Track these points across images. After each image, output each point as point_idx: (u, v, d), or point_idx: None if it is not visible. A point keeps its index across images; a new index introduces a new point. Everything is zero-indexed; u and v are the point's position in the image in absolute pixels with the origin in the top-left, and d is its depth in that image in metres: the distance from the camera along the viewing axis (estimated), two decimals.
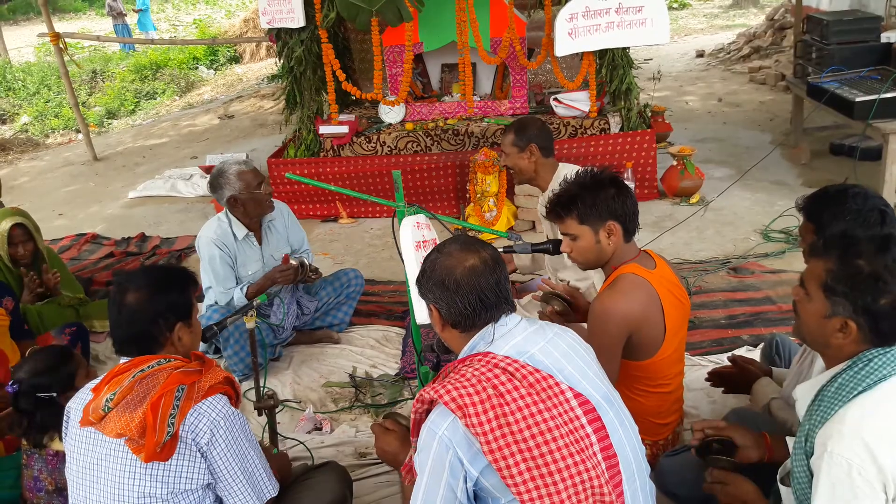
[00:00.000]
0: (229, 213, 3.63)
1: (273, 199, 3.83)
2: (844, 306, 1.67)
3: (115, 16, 16.30)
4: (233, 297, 3.60)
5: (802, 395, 1.80)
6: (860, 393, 1.63)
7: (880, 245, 1.68)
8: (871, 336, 1.67)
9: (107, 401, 1.87)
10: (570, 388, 1.70)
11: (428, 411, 1.70)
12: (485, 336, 1.78)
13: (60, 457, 2.38)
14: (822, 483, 1.60)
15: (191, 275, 2.16)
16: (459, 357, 1.81)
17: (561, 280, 3.52)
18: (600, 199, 2.37)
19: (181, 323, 2.03)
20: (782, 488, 1.86)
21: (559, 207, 2.44)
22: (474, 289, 1.77)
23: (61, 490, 2.38)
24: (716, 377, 2.78)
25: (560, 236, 2.55)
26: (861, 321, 1.66)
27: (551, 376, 1.70)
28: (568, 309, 2.69)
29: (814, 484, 1.64)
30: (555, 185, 3.48)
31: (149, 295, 1.99)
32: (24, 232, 3.95)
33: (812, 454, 1.67)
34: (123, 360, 2.00)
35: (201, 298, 3.74)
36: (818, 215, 2.28)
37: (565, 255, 2.64)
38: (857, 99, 4.82)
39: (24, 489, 2.47)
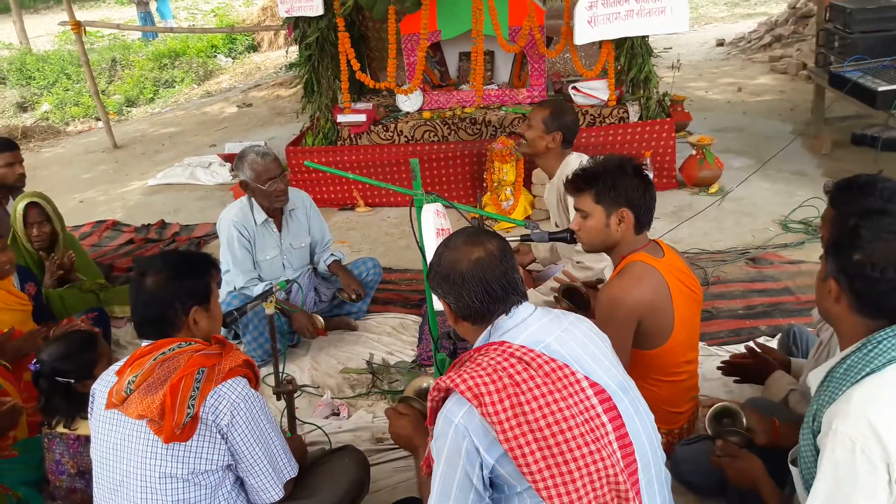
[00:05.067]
0: (251, 198, 3.67)
1: (296, 189, 3.86)
2: (830, 265, 1.69)
3: (139, 3, 16.38)
4: (252, 291, 3.62)
5: (815, 381, 1.80)
6: (868, 374, 1.62)
7: (879, 210, 1.69)
8: (852, 298, 1.66)
9: (129, 383, 1.90)
10: (586, 378, 1.71)
11: (444, 399, 1.71)
12: (497, 327, 1.79)
13: (82, 441, 2.42)
14: (825, 460, 1.61)
15: (211, 260, 2.18)
16: (474, 346, 1.82)
17: (578, 262, 3.51)
18: (621, 184, 2.38)
19: (198, 307, 2.06)
20: (793, 469, 1.86)
21: (580, 180, 2.46)
22: (481, 282, 1.77)
23: (83, 473, 2.43)
24: (731, 367, 2.77)
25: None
26: (840, 280, 1.66)
27: (567, 366, 1.70)
28: (574, 308, 2.71)
29: (818, 461, 1.64)
30: (561, 173, 3.48)
31: (166, 278, 2.03)
32: (40, 212, 3.96)
33: (819, 433, 1.67)
34: (145, 343, 2.03)
35: (220, 284, 3.78)
36: (840, 202, 2.25)
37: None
38: (880, 88, 4.77)
39: (47, 472, 2.52)
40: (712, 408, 2.32)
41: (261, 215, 3.68)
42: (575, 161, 3.44)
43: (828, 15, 6.00)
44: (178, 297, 2.03)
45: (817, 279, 1.78)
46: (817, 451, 1.67)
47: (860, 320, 1.68)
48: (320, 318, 3.68)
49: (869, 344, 1.66)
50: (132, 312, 2.08)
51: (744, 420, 2.26)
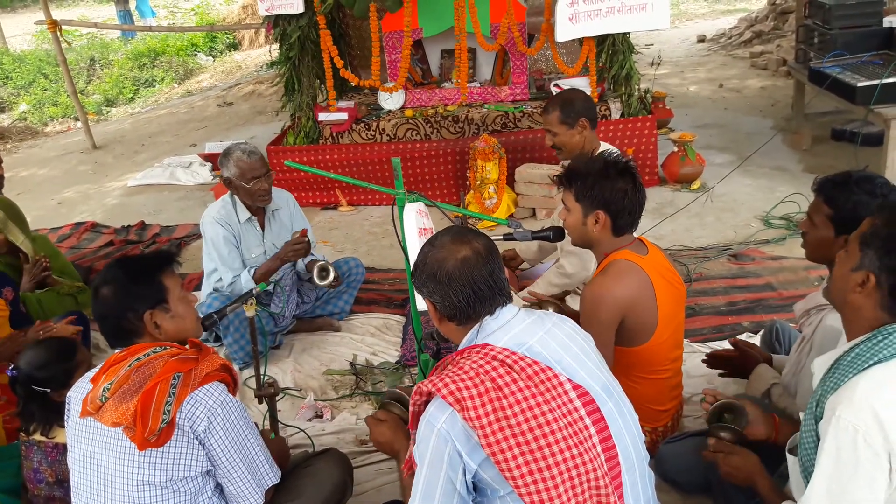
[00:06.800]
0: (234, 195, 3.63)
1: (280, 189, 3.82)
2: (871, 259, 1.65)
3: (117, 2, 16.18)
4: (240, 281, 3.58)
5: (820, 368, 1.79)
6: (876, 363, 1.62)
7: None
8: (887, 299, 1.64)
9: (104, 391, 1.87)
10: (569, 380, 1.69)
11: (426, 403, 1.69)
12: (482, 328, 1.77)
13: (60, 449, 2.38)
14: (826, 447, 1.61)
15: (166, 257, 2.14)
16: (458, 349, 1.80)
17: (559, 267, 3.50)
18: (599, 187, 2.38)
19: (152, 311, 2.01)
20: (789, 457, 1.86)
21: (565, 178, 2.48)
22: (467, 281, 1.75)
23: (62, 482, 2.39)
24: (715, 360, 2.78)
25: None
26: (882, 278, 1.63)
27: (550, 368, 1.69)
28: (561, 308, 2.72)
29: (819, 448, 1.64)
30: None
31: (114, 289, 1.99)
32: None
33: (822, 419, 1.66)
34: (119, 349, 2.00)
35: (199, 285, 3.74)
36: (841, 200, 2.20)
37: (569, 242, 2.65)
38: (859, 84, 4.80)
39: (26, 480, 2.48)
40: (715, 404, 2.30)
41: (244, 213, 3.64)
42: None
43: (807, 11, 6.03)
44: (129, 306, 1.99)
45: (842, 267, 1.73)
46: (818, 439, 1.67)
47: (880, 315, 1.66)
48: (307, 234, 3.67)
49: (879, 335, 1.65)
50: (98, 325, 2.06)
51: (748, 415, 2.24)
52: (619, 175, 2.39)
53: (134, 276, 2.03)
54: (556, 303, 2.77)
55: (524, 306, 1.93)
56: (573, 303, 3.34)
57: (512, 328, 1.76)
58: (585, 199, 2.41)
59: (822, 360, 1.80)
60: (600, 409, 1.71)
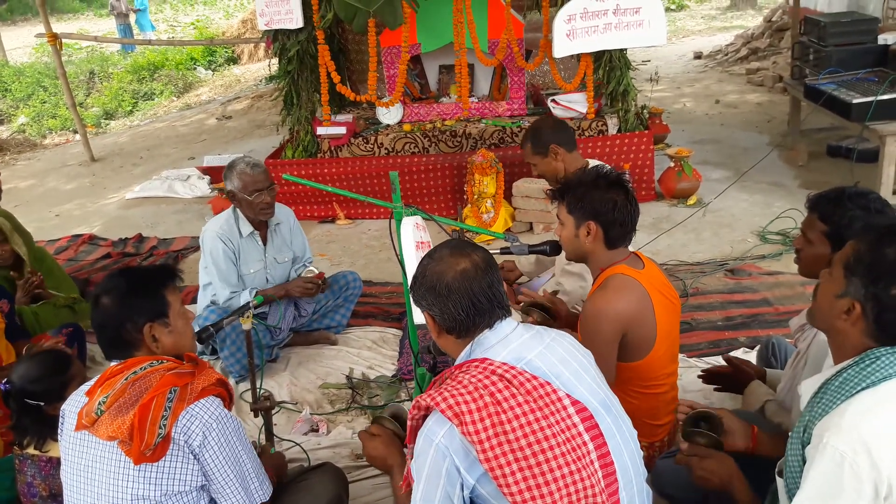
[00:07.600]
0: (237, 209, 3.63)
1: (280, 205, 3.83)
2: (857, 287, 1.64)
3: (118, 15, 16.27)
4: (238, 299, 3.57)
5: (807, 391, 1.78)
6: (864, 389, 1.60)
7: None
8: (873, 327, 1.63)
9: (99, 404, 1.86)
10: (568, 396, 1.69)
11: (424, 417, 1.69)
12: (481, 342, 1.77)
13: (54, 463, 2.37)
14: (812, 471, 1.59)
15: (168, 272, 2.13)
16: (456, 363, 1.80)
17: (559, 283, 3.52)
18: (590, 198, 2.39)
19: (152, 324, 2.00)
20: (778, 480, 1.85)
21: (558, 191, 2.51)
22: (466, 293, 1.75)
23: (55, 496, 2.37)
24: (710, 376, 2.78)
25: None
26: (868, 307, 1.62)
27: (549, 383, 1.68)
28: (547, 318, 2.72)
29: (804, 472, 1.63)
30: None
31: (115, 299, 1.99)
32: None
33: (808, 444, 1.65)
34: (115, 362, 2.00)
35: (195, 298, 3.73)
36: (836, 216, 2.20)
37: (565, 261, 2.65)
38: (855, 101, 4.83)
39: (20, 494, 2.46)
40: (690, 412, 2.30)
41: (246, 227, 3.64)
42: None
43: (803, 28, 6.08)
44: (129, 317, 1.98)
45: (826, 292, 1.72)
46: (804, 462, 1.66)
47: (866, 341, 1.66)
48: (311, 270, 3.76)
49: (867, 359, 1.64)
50: (95, 335, 2.05)
51: (724, 425, 2.24)
52: (610, 186, 2.40)
53: (136, 288, 2.03)
54: (544, 306, 2.77)
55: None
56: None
57: (511, 342, 1.75)
58: (577, 210, 2.42)
59: (808, 383, 1.79)
60: (598, 425, 1.70)
